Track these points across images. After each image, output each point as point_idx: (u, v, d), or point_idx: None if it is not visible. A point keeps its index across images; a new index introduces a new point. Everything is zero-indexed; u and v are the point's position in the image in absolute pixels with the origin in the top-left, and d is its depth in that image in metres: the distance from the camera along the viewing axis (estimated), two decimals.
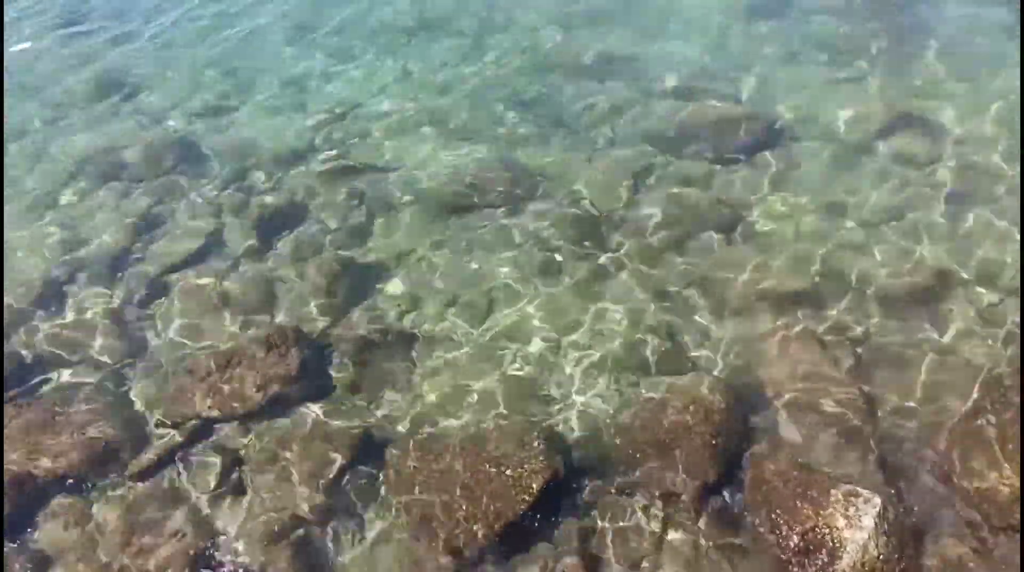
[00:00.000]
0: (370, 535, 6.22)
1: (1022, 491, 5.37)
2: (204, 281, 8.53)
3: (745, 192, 8.70)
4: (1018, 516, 5.39)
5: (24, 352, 7.98)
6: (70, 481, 6.74)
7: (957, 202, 8.11)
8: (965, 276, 7.37)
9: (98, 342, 8.02)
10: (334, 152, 10.38)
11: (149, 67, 13.28)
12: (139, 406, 7.41)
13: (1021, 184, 7.97)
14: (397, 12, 13.65)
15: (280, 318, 8.08)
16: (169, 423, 7.10)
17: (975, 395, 6.24)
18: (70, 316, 8.36)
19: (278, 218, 9.36)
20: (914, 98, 9.54)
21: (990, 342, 6.80)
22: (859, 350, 6.89)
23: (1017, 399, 5.97)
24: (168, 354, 7.89)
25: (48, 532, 6.47)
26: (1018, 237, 7.57)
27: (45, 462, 6.75)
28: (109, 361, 7.85)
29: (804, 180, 8.73)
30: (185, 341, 8.00)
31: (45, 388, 7.65)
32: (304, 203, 9.60)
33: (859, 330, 7.06)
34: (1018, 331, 6.79)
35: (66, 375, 7.79)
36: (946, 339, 6.89)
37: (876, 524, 5.27)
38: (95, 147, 11.04)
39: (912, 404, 6.41)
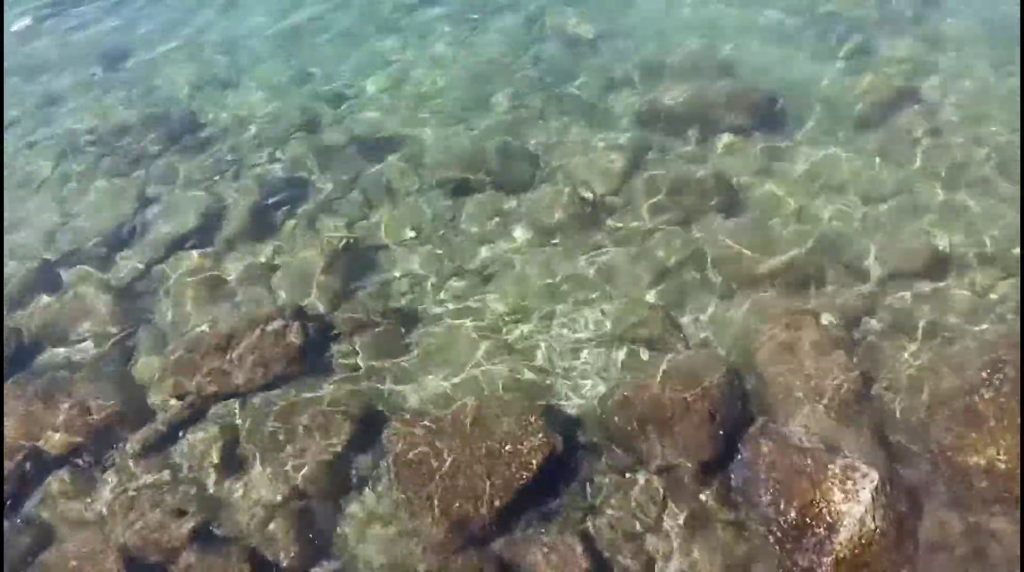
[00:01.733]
0: (370, 511, 6.26)
1: (1022, 468, 5.39)
2: (203, 259, 8.53)
3: (743, 170, 8.69)
4: (1013, 491, 5.44)
5: (23, 330, 7.98)
6: (71, 457, 6.78)
7: (956, 179, 8.10)
8: (963, 253, 7.38)
9: (97, 319, 8.01)
10: (334, 129, 10.34)
11: (147, 41, 13.19)
12: (139, 383, 7.42)
13: (1021, 166, 7.95)
14: None
15: (280, 296, 8.07)
16: (170, 400, 7.11)
17: (972, 372, 6.26)
18: (69, 293, 8.34)
19: (277, 196, 9.34)
20: (913, 73, 9.50)
21: (987, 319, 6.82)
22: (856, 327, 6.92)
23: (1014, 375, 6.00)
24: (168, 332, 7.91)
25: (49, 508, 6.51)
26: (1014, 215, 7.57)
27: (46, 438, 6.78)
28: (109, 338, 7.86)
29: (802, 157, 8.72)
30: (185, 319, 8.01)
31: (44, 365, 7.67)
32: (304, 181, 9.58)
33: (857, 307, 7.07)
34: (1015, 308, 6.81)
35: (65, 352, 7.81)
36: (943, 316, 6.91)
37: (873, 498, 5.31)
38: (91, 123, 10.98)
39: (909, 381, 6.43)
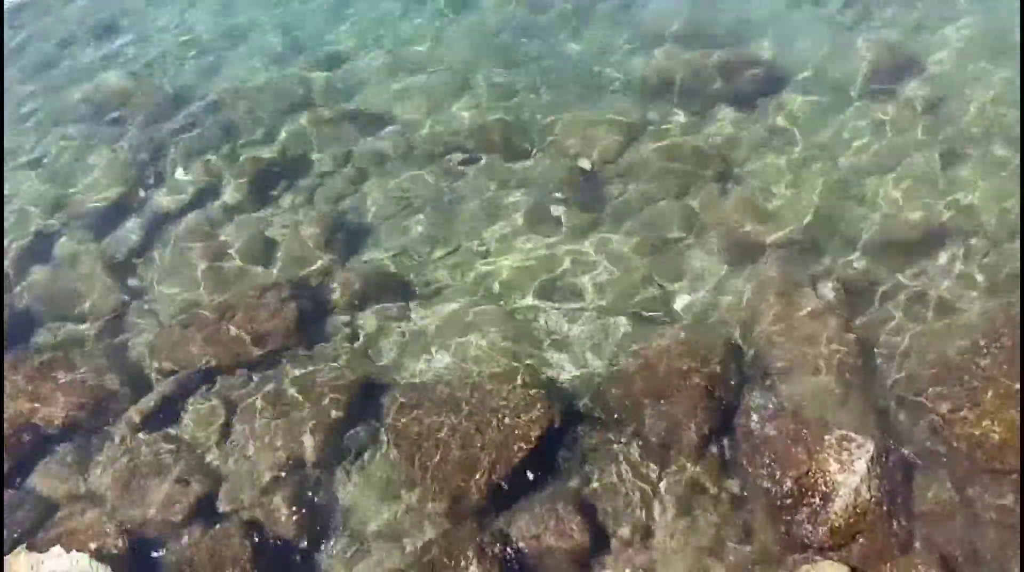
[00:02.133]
0: (368, 482, 6.30)
1: (1022, 439, 5.43)
2: (200, 231, 8.49)
3: (741, 140, 8.61)
4: (1008, 462, 5.47)
5: (20, 304, 7.97)
6: (70, 430, 6.81)
7: (955, 149, 8.03)
8: (961, 224, 7.33)
9: (94, 293, 8.01)
10: (330, 101, 10.24)
11: (142, 14, 12.99)
12: (138, 356, 7.44)
13: (1021, 139, 7.88)
14: None
15: (277, 268, 8.05)
16: (168, 372, 7.12)
17: (969, 342, 6.26)
18: (65, 266, 8.33)
19: (273, 168, 9.28)
20: (914, 43, 9.39)
21: (984, 289, 6.81)
22: (854, 297, 6.89)
23: (1011, 345, 6.01)
24: (165, 304, 7.90)
25: (49, 481, 6.55)
26: (1013, 186, 7.53)
27: (45, 411, 6.79)
28: (106, 312, 7.86)
29: (801, 127, 8.62)
30: (182, 291, 8.00)
31: (41, 339, 7.66)
32: (299, 153, 9.50)
33: (854, 277, 7.05)
34: (1012, 279, 6.79)
35: (62, 326, 7.80)
36: (941, 286, 6.89)
37: (868, 468, 5.34)
38: (86, 96, 10.86)
39: (905, 350, 6.44)
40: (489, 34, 11.05)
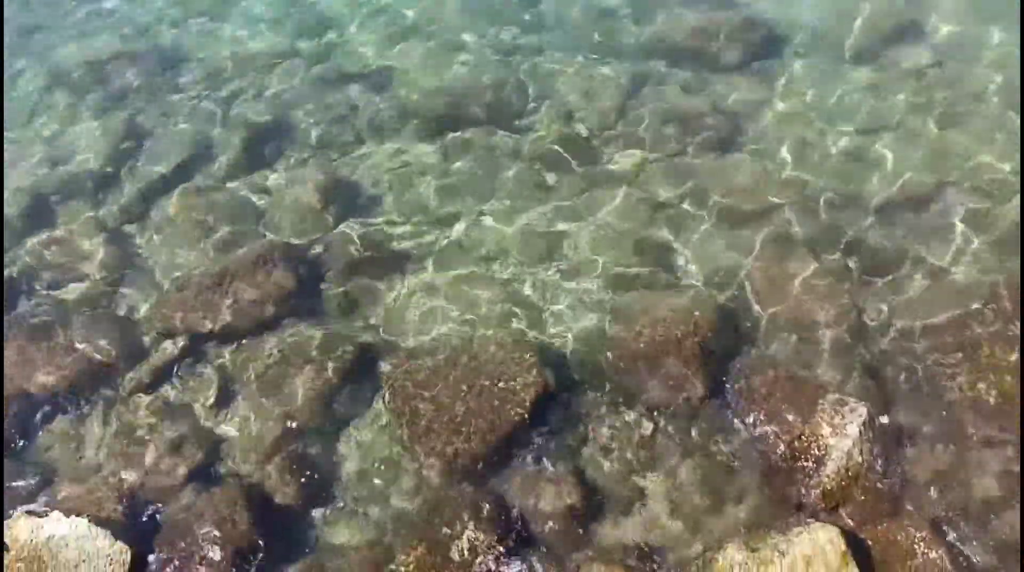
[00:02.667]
0: (365, 447, 6.34)
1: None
2: (194, 197, 8.43)
3: (740, 104, 8.53)
4: (1002, 427, 5.50)
5: (15, 271, 7.95)
6: (66, 396, 6.83)
7: (955, 112, 7.96)
8: (957, 188, 7.29)
9: (88, 259, 7.99)
10: (323, 64, 10.11)
11: None
12: (133, 322, 7.44)
13: (1021, 103, 7.79)
14: None
15: (271, 234, 8.01)
16: (164, 338, 7.12)
17: (965, 307, 6.26)
18: (59, 234, 8.29)
19: (266, 132, 9.20)
20: (914, 7, 9.25)
21: (983, 253, 6.78)
22: (851, 261, 6.88)
23: (1010, 309, 6.02)
24: (160, 271, 7.89)
25: (46, 447, 6.60)
26: (1011, 150, 7.47)
27: (41, 378, 6.81)
28: (100, 278, 7.84)
29: (800, 90, 8.56)
30: (177, 258, 7.98)
31: (36, 306, 7.65)
32: (292, 117, 9.41)
33: (852, 241, 7.02)
34: (1008, 244, 6.76)
35: (57, 293, 7.79)
36: (939, 251, 6.86)
37: (861, 432, 5.37)
38: (77, 60, 10.68)
39: (902, 315, 6.44)
40: None
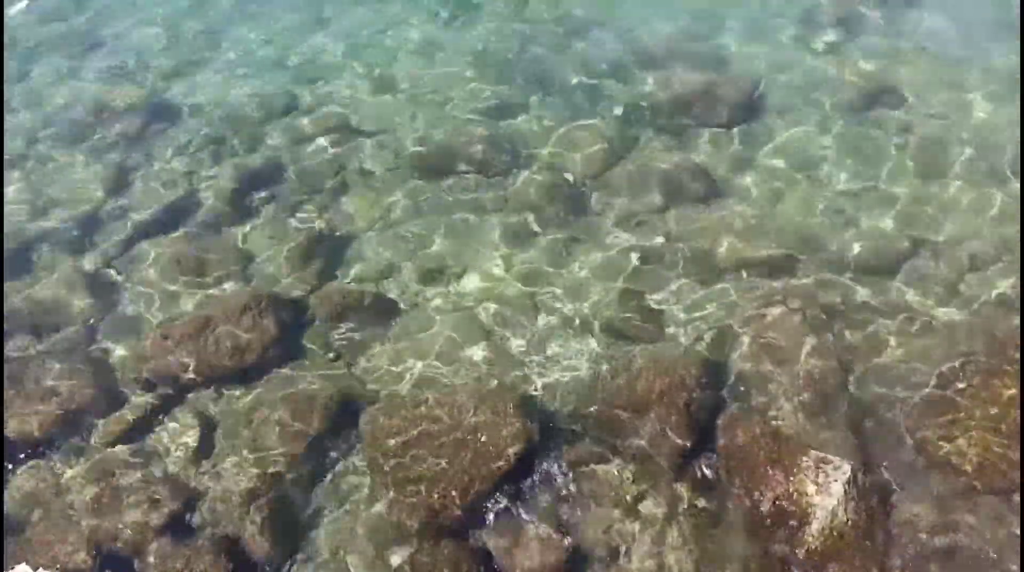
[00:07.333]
0: (345, 500, 6.25)
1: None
2: (178, 243, 8.42)
3: (722, 160, 8.68)
4: (986, 483, 5.50)
5: None
6: (41, 444, 6.71)
7: (929, 172, 8.14)
8: (935, 245, 7.42)
9: (70, 304, 7.90)
10: (312, 113, 10.20)
11: (126, 21, 12.89)
12: (112, 369, 7.35)
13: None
14: None
15: (256, 282, 7.99)
16: (143, 387, 7.05)
17: (946, 363, 6.32)
18: (42, 277, 8.21)
19: (253, 180, 9.21)
20: (894, 68, 9.50)
21: (958, 310, 6.87)
22: (834, 317, 6.94)
23: (985, 365, 6.07)
24: (142, 317, 7.82)
25: (18, 496, 6.43)
26: (987, 208, 7.62)
27: (16, 424, 6.70)
28: (82, 323, 7.75)
29: (782, 148, 8.73)
30: (160, 304, 7.92)
31: (15, 350, 7.54)
32: (280, 165, 9.45)
33: (834, 297, 7.10)
34: (991, 296, 6.85)
35: (37, 337, 7.68)
36: (919, 308, 6.95)
37: (845, 491, 5.35)
38: (67, 105, 10.77)
39: (884, 371, 6.48)
40: (474, 46, 11.05)
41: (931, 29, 10.03)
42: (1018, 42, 9.15)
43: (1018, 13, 9.60)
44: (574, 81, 10.21)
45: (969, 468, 5.61)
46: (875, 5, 10.51)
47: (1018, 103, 8.50)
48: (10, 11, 13.42)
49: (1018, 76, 8.89)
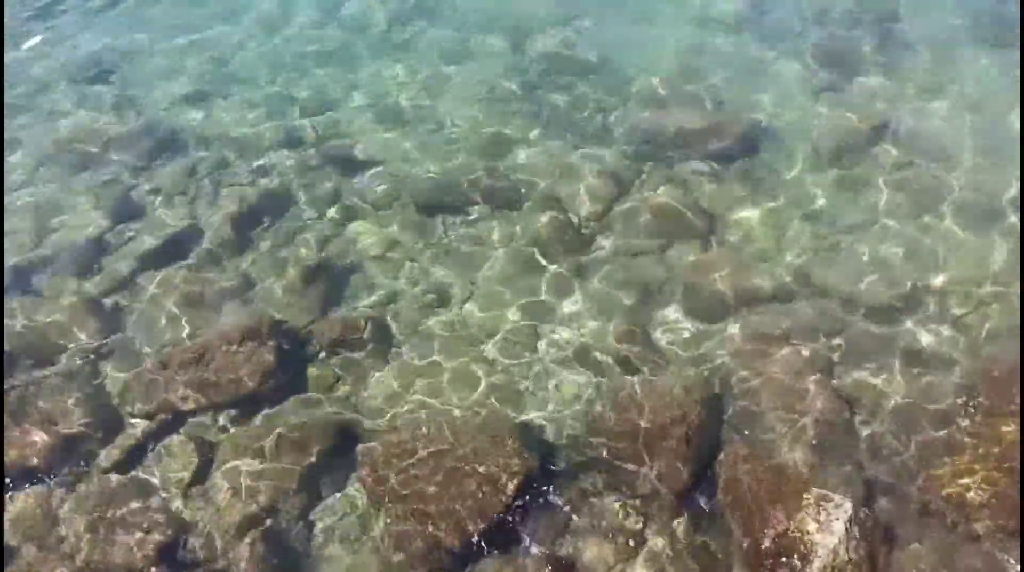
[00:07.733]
0: (341, 533, 6.20)
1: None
2: (180, 273, 8.44)
3: (723, 198, 8.70)
4: (987, 522, 5.45)
5: None
6: (39, 471, 6.67)
7: (927, 212, 8.16)
8: (935, 285, 7.42)
9: (71, 333, 7.90)
10: (316, 146, 10.26)
11: (133, 52, 13.03)
12: (111, 398, 7.33)
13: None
14: (377, 7, 13.38)
15: (256, 311, 7.98)
16: (141, 415, 7.02)
17: (947, 401, 6.31)
18: (42, 306, 8.19)
19: (256, 210, 9.24)
20: (892, 106, 9.59)
21: (964, 348, 6.86)
22: (834, 355, 6.95)
23: (987, 404, 6.06)
24: (142, 346, 7.81)
25: (14, 524, 6.36)
26: (984, 248, 7.66)
27: (14, 451, 6.67)
28: (82, 352, 7.74)
29: (781, 187, 8.75)
30: (160, 333, 7.92)
31: (15, 379, 7.50)
32: (283, 196, 9.49)
33: (835, 336, 7.10)
34: (992, 335, 6.86)
35: (37, 365, 7.65)
36: (920, 346, 6.95)
37: (847, 529, 5.31)
38: (72, 134, 10.80)
39: (886, 410, 6.46)
40: (477, 82, 11.14)
41: (927, 69, 10.12)
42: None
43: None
44: (578, 117, 10.28)
45: (972, 508, 5.55)
46: (873, 46, 10.63)
47: (1017, 145, 8.56)
48: (24, 45, 13.55)
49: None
